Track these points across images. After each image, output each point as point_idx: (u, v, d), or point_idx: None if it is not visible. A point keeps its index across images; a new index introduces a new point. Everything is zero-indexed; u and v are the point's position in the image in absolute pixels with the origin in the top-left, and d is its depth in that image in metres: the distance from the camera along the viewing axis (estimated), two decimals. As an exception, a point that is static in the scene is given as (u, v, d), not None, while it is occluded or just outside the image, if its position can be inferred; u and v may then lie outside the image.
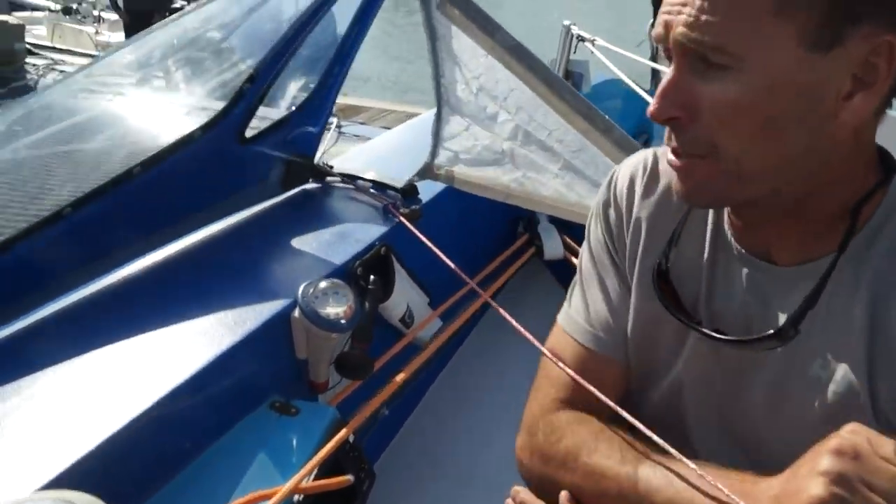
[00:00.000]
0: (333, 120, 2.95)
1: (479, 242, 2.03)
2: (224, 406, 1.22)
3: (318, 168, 1.70)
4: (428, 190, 1.76)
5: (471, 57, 1.52)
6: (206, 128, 1.41)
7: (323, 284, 1.30)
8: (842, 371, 0.67)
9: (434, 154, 1.68)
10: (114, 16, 8.92)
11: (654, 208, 0.82)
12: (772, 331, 0.69)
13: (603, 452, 0.75)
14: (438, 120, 1.62)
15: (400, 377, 1.44)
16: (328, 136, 2.73)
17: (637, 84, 2.20)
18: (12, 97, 3.83)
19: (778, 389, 0.73)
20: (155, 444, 1.09)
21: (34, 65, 4.19)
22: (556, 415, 0.82)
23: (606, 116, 1.47)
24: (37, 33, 9.39)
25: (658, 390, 0.83)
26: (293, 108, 1.61)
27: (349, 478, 1.17)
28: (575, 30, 2.33)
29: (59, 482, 0.94)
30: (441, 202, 1.76)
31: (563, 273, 1.05)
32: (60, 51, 7.99)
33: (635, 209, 0.83)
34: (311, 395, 1.39)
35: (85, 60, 6.88)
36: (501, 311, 1.27)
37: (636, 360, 0.85)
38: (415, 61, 10.98)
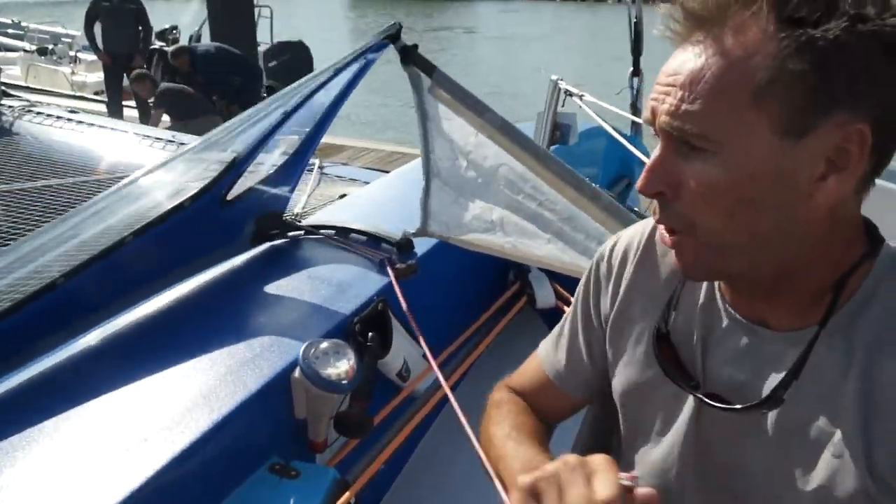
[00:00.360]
0: (315, 161, 2.97)
1: (472, 292, 2.04)
2: (224, 470, 1.20)
3: (288, 223, 1.77)
4: (421, 242, 1.77)
5: (461, 135, 1.58)
6: (194, 197, 1.48)
7: (324, 345, 1.30)
8: (836, 437, 0.69)
9: (424, 225, 1.69)
10: (90, 56, 8.92)
11: (650, 275, 0.86)
12: (758, 399, 0.73)
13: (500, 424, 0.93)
14: (427, 194, 1.66)
15: (401, 435, 1.43)
16: (311, 179, 2.74)
17: (619, 132, 2.27)
18: None
19: (773, 455, 0.75)
20: None
21: (10, 106, 4.10)
22: (504, 392, 1.02)
23: (594, 185, 1.51)
24: (11, 73, 9.33)
25: (653, 450, 0.85)
26: (271, 170, 1.69)
27: None
28: (562, 84, 2.38)
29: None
30: (435, 255, 1.77)
31: (556, 321, 1.07)
32: (36, 91, 7.94)
33: (629, 274, 0.88)
34: (309, 454, 1.38)
35: (62, 101, 6.85)
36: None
37: (628, 417, 0.89)
38: (393, 96, 11.07)
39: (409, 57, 1.57)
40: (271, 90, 10.38)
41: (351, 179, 2.89)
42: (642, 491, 0.63)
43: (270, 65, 10.43)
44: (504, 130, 1.53)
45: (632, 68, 3.51)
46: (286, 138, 1.70)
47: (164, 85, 6.48)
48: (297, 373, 1.28)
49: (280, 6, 11.15)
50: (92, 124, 3.58)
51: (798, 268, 0.71)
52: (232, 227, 1.64)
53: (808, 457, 0.71)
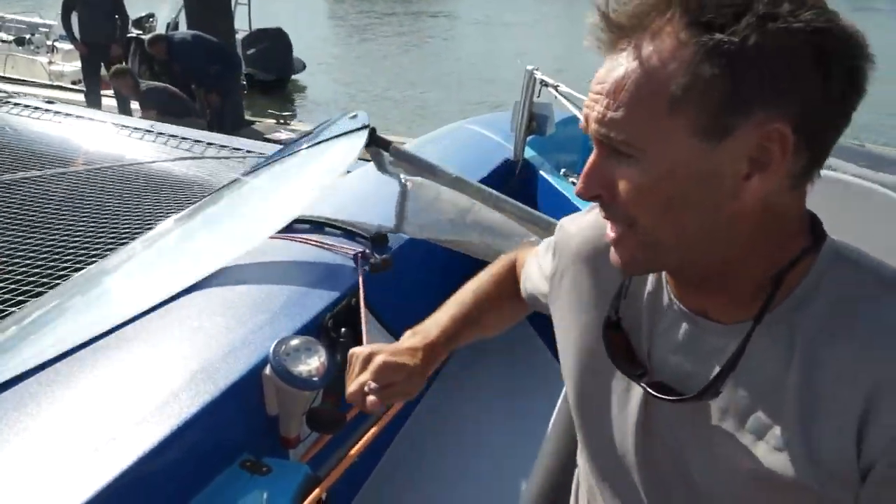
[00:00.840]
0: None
1: (451, 287, 2.04)
2: (194, 467, 1.20)
3: None
4: (399, 237, 1.77)
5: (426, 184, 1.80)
6: None
7: (294, 342, 1.30)
8: (777, 429, 0.71)
9: (400, 225, 1.73)
10: (68, 45, 8.80)
11: (600, 265, 0.87)
12: (696, 392, 0.75)
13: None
14: (404, 196, 1.75)
15: (372, 431, 1.43)
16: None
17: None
18: None
19: (714, 444, 0.76)
20: None
21: None
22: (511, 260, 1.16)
23: (547, 217, 1.70)
24: (-12, 63, 9.21)
25: (605, 434, 0.87)
26: None
27: None
28: (538, 74, 2.37)
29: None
30: (411, 249, 1.77)
31: (536, 318, 1.09)
32: (13, 81, 7.85)
33: (580, 264, 0.90)
34: (282, 450, 1.38)
35: (40, 91, 6.76)
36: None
37: (581, 403, 0.91)
38: (393, 88, 11.02)
39: (371, 140, 1.80)
40: (250, 78, 10.33)
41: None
42: (371, 399, 0.91)
43: (249, 52, 10.37)
44: (458, 182, 1.77)
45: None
46: None
47: (146, 84, 6.43)
48: (267, 370, 1.28)
49: (259, -8, 11.08)
50: (70, 114, 3.55)
51: (732, 263, 0.73)
52: None
53: (749, 447, 0.73)
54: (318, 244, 1.68)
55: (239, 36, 10.59)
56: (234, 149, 2.99)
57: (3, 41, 10.10)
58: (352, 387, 0.94)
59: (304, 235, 1.74)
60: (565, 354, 0.93)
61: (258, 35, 10.60)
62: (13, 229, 2.30)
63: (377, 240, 1.70)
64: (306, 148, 1.88)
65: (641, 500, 0.85)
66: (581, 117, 0.75)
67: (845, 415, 0.66)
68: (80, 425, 1.15)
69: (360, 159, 3.52)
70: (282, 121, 7.64)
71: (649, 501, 0.85)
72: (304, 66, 11.18)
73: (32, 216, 2.44)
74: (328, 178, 1.75)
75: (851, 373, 0.67)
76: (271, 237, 1.72)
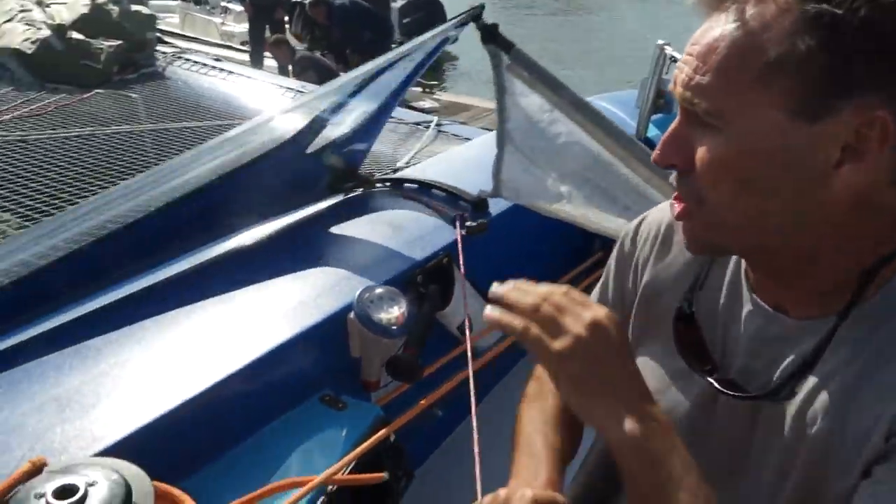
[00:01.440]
0: (433, 118, 3.03)
1: (549, 256, 2.04)
2: (277, 394, 1.30)
3: (361, 177, 1.86)
4: (500, 204, 1.80)
5: (536, 111, 1.62)
6: (277, 149, 1.64)
7: (379, 291, 1.37)
8: (841, 437, 0.66)
9: (497, 188, 1.73)
10: (238, 7, 9.40)
11: (674, 255, 0.85)
12: (767, 390, 0.71)
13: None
14: (499, 160, 1.70)
15: (449, 384, 1.48)
16: (426, 136, 2.80)
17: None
18: (142, 83, 4.08)
19: (774, 446, 0.73)
20: (208, 422, 1.19)
21: (164, 52, 4.46)
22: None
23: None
24: (170, 21, 10.00)
25: None
26: (349, 130, 1.80)
27: (383, 475, 1.22)
28: (669, 50, 2.29)
29: (116, 448, 1.04)
30: (511, 215, 1.79)
31: None
32: (188, 39, 8.48)
33: (654, 255, 0.87)
34: (363, 392, 1.46)
35: (211, 49, 7.28)
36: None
37: None
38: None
39: (490, 36, 1.60)
40: (404, 46, 10.58)
41: (465, 139, 2.93)
42: None
43: (404, 21, 10.61)
44: (578, 107, 1.56)
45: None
46: (367, 102, 1.79)
47: (301, 53, 6.81)
48: (352, 314, 1.36)
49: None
50: (232, 72, 3.87)
51: (815, 256, 0.68)
52: (309, 177, 1.75)
53: (810, 452, 0.69)
54: (419, 204, 1.75)
55: (396, 4, 10.85)
56: (414, 123, 3.08)
57: (183, 0, 10.91)
58: None
59: (410, 194, 1.81)
60: (637, 348, 0.89)
61: (414, 4, 10.81)
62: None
63: (477, 204, 1.74)
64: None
65: None
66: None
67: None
68: (178, 342, 1.28)
69: (483, 128, 3.53)
70: (427, 90, 7.81)
71: None
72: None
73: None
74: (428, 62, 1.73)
75: None
76: (377, 190, 1.80)
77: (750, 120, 0.62)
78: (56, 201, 2.29)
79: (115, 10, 4.52)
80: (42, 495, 0.80)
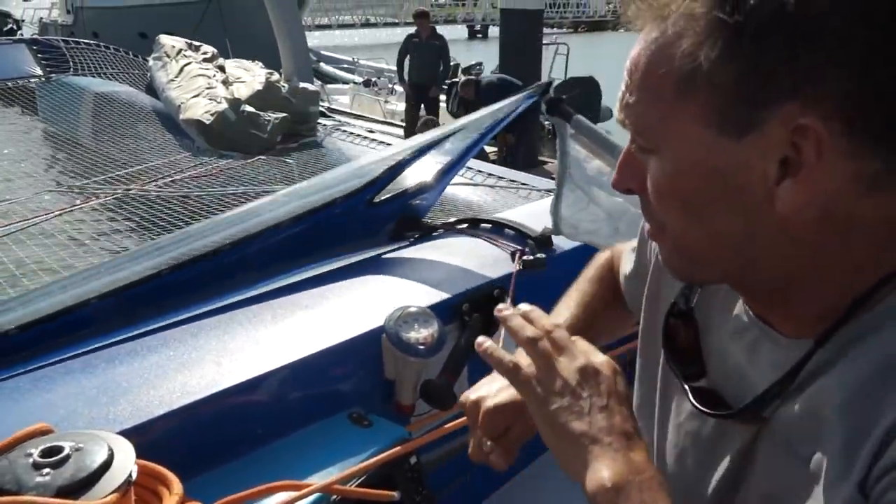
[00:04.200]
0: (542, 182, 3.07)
1: None
2: (306, 406, 1.34)
3: (426, 225, 1.94)
4: (565, 244, 1.77)
5: (596, 172, 1.72)
6: (345, 197, 1.78)
7: (412, 310, 1.38)
8: (814, 462, 0.57)
9: (555, 227, 1.75)
10: (402, 88, 10.06)
11: None
12: (735, 410, 0.65)
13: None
14: (558, 198, 1.73)
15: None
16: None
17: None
18: (301, 150, 4.55)
19: (740, 465, 0.66)
20: (232, 422, 1.24)
21: (324, 125, 4.93)
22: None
23: None
24: (342, 101, 10.89)
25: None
26: (416, 185, 1.92)
27: (393, 494, 1.20)
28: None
29: (138, 430, 1.11)
30: (572, 254, 1.75)
31: None
32: (352, 115, 9.18)
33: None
34: (397, 416, 1.46)
35: (367, 124, 7.83)
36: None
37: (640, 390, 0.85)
38: None
39: (553, 108, 1.75)
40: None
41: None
42: (494, 458, 0.81)
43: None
44: None
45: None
46: (438, 158, 1.93)
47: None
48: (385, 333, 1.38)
49: (581, 47, 11.51)
50: (382, 142, 4.23)
51: (797, 281, 0.61)
52: (374, 224, 1.86)
53: (785, 480, 0.61)
54: (485, 238, 1.76)
55: (554, 83, 11.13)
56: (510, 180, 3.17)
57: (355, 83, 11.83)
58: (470, 448, 0.84)
59: (476, 230, 1.83)
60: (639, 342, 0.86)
61: (570, 83, 11.03)
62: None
63: (540, 240, 1.72)
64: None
65: None
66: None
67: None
68: (245, 343, 1.36)
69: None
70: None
71: None
72: (611, 114, 11.35)
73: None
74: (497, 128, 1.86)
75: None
76: (446, 230, 1.84)
77: (677, 140, 0.58)
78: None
79: (284, 86, 5.04)
80: (31, 454, 0.87)
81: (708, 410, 0.67)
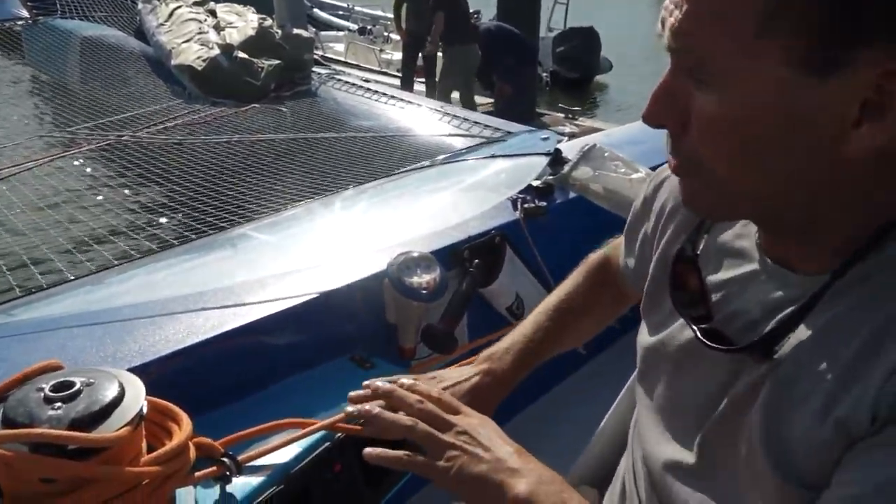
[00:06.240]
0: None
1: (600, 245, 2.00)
2: (307, 348, 1.35)
3: None
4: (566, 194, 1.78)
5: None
6: None
7: (414, 255, 1.38)
8: (817, 401, 0.58)
9: (573, 167, 1.71)
10: (398, 37, 9.87)
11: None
12: (747, 344, 0.65)
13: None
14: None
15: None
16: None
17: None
18: (295, 99, 4.51)
19: (751, 403, 0.66)
20: (236, 363, 1.25)
21: (319, 73, 4.85)
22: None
23: None
24: (336, 49, 10.68)
25: (648, 381, 0.84)
26: None
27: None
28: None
29: (145, 368, 1.12)
30: (573, 205, 1.76)
31: None
32: (347, 64, 9.02)
33: (668, 196, 0.85)
34: (400, 359, 1.48)
35: (363, 73, 7.72)
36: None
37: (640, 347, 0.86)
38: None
39: (557, 160, 1.89)
40: (555, 75, 10.62)
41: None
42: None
43: (558, 50, 10.67)
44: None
45: None
46: None
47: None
48: (386, 278, 1.38)
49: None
50: (377, 92, 4.15)
51: (826, 214, 0.60)
52: None
53: (785, 414, 0.62)
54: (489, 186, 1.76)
55: (552, 34, 10.95)
56: (495, 129, 3.14)
57: (349, 30, 11.60)
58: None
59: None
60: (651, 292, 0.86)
61: (569, 34, 10.87)
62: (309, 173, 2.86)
63: (541, 189, 1.72)
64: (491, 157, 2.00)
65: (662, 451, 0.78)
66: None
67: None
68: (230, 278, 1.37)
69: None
70: (569, 115, 7.77)
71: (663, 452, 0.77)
72: (610, 66, 11.22)
73: (322, 166, 2.99)
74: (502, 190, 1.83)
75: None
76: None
77: (748, 76, 0.55)
78: (192, 192, 2.72)
79: (278, 32, 4.94)
80: (42, 388, 0.87)
81: (718, 346, 0.68)
